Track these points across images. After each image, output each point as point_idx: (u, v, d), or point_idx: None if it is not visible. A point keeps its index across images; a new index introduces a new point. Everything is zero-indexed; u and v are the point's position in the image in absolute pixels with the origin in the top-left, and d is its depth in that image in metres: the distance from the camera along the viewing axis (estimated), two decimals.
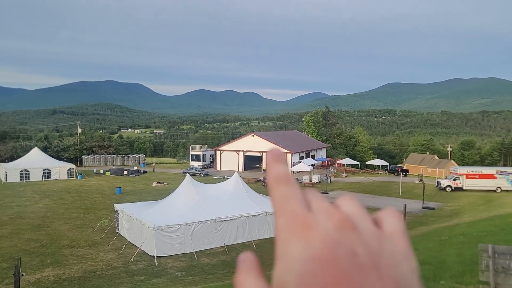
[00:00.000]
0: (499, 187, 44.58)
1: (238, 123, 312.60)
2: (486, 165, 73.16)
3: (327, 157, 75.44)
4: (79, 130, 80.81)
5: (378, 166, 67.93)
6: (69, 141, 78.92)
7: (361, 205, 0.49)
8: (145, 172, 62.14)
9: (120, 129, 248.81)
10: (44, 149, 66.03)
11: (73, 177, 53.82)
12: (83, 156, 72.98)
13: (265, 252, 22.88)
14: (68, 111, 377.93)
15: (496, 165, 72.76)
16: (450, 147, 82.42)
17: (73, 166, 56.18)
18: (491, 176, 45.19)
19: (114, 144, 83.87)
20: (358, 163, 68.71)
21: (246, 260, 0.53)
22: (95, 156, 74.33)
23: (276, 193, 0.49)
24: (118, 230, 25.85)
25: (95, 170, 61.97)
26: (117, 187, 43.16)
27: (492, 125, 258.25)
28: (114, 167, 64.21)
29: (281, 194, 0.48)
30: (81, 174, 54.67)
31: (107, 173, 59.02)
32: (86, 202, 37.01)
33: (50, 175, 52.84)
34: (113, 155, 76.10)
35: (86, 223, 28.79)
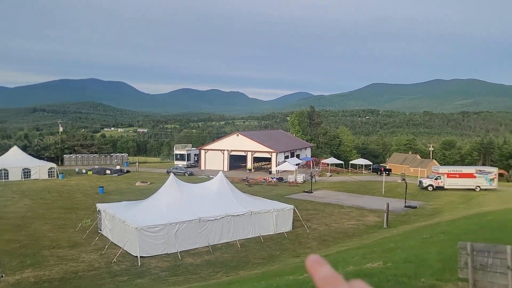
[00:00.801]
0: (479, 186, 45.54)
1: (223, 122, 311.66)
2: (466, 165, 74.64)
3: (311, 156, 75.89)
4: (60, 129, 79.36)
5: (361, 165, 68.63)
6: (50, 140, 77.48)
7: None
8: (128, 171, 61.53)
9: (103, 128, 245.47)
10: (24, 148, 64.73)
11: (54, 177, 52.93)
12: (64, 155, 71.76)
13: (250, 251, 22.89)
14: (49, 110, 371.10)
15: (475, 165, 74.29)
16: (432, 146, 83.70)
17: (54, 165, 55.23)
18: (470, 175, 46.12)
19: (97, 143, 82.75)
20: (342, 162, 69.30)
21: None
22: (77, 155, 73.21)
23: None
24: (101, 230, 25.53)
25: (77, 170, 61.04)
26: (99, 187, 42.63)
27: (472, 126, 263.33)
28: (96, 167, 63.43)
29: None
30: (62, 173, 53.79)
31: (89, 173, 58.24)
32: (67, 202, 36.43)
33: (30, 175, 51.86)
34: (95, 154, 75.08)
35: (67, 223, 28.34)
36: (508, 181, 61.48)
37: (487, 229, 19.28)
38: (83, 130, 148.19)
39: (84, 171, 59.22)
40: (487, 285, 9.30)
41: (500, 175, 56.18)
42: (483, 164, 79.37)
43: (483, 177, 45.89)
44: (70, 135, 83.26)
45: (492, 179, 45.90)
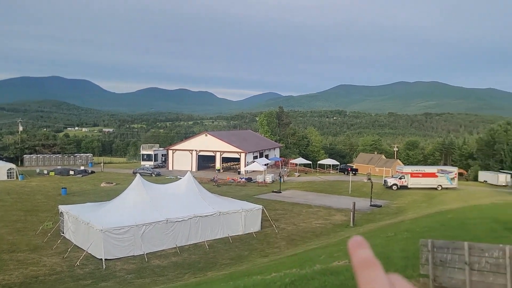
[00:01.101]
0: (440, 185, 47.25)
1: (192, 122, 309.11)
2: (429, 165, 77.28)
3: (280, 156, 76.39)
4: (20, 128, 76.37)
5: (329, 165, 69.72)
6: (9, 139, 74.43)
7: None
8: (92, 172, 59.94)
9: (66, 127, 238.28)
10: None
11: (13, 178, 50.80)
12: (24, 156, 69.04)
13: (218, 252, 22.77)
14: (8, 108, 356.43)
15: (437, 165, 77.03)
16: (396, 147, 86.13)
17: (13, 166, 53.01)
18: (433, 175, 47.79)
19: (60, 143, 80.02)
20: (310, 162, 70.14)
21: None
22: (38, 155, 70.61)
23: (362, 276, 0.53)
24: (63, 233, 24.72)
25: (38, 170, 58.84)
26: (62, 188, 41.31)
27: (434, 127, 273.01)
28: (59, 167, 61.42)
29: (367, 277, 0.53)
30: (22, 174, 51.72)
31: (52, 173, 56.32)
32: (27, 204, 35.05)
33: None
34: (58, 155, 72.66)
35: (27, 226, 27.27)
36: (467, 180, 64.06)
37: (447, 227, 20.01)
38: (45, 129, 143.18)
39: (45, 172, 57.19)
40: (446, 280, 9.65)
41: (460, 174, 58.48)
42: (444, 164, 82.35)
43: (444, 177, 47.65)
44: (30, 135, 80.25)
45: (452, 178, 47.73)
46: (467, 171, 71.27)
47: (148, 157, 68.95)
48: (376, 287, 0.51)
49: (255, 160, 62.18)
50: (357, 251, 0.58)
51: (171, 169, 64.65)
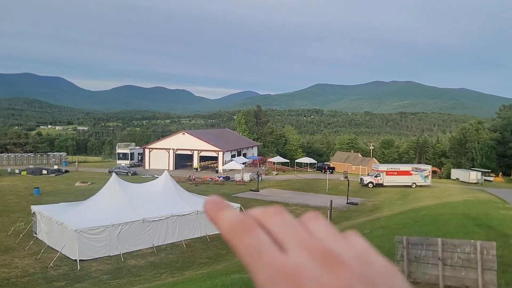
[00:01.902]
0: (414, 183, 48.31)
1: (169, 121, 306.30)
2: (403, 163, 78.83)
3: (258, 155, 76.55)
4: None
5: (307, 164, 70.31)
6: None
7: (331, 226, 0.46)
8: (66, 171, 58.63)
9: (39, 126, 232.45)
10: None
11: None
12: None
13: (195, 251, 22.66)
14: None
15: (411, 163, 78.68)
16: (372, 145, 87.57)
17: None
18: (407, 173, 48.82)
19: (32, 142, 78.08)
20: (288, 161, 70.57)
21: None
22: (10, 154, 68.59)
23: (241, 247, 0.44)
24: (36, 234, 24.08)
25: (9, 170, 57.14)
26: (34, 188, 40.21)
27: (409, 125, 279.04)
28: (31, 166, 59.86)
29: (248, 247, 0.43)
30: None
31: (23, 173, 54.80)
32: None
33: None
34: (30, 154, 70.78)
35: None
36: (440, 178, 65.75)
37: (421, 223, 20.49)
38: (16, 127, 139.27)
39: (17, 171, 55.61)
40: (421, 276, 9.88)
41: (433, 172, 59.95)
42: (419, 162, 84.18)
43: (419, 174, 48.75)
44: (1, 133, 77.91)
45: (426, 176, 48.87)
46: (440, 169, 73.10)
47: (124, 156, 67.93)
48: (262, 258, 0.42)
49: (233, 159, 62.11)
50: (222, 214, 0.47)
51: (148, 168, 63.87)
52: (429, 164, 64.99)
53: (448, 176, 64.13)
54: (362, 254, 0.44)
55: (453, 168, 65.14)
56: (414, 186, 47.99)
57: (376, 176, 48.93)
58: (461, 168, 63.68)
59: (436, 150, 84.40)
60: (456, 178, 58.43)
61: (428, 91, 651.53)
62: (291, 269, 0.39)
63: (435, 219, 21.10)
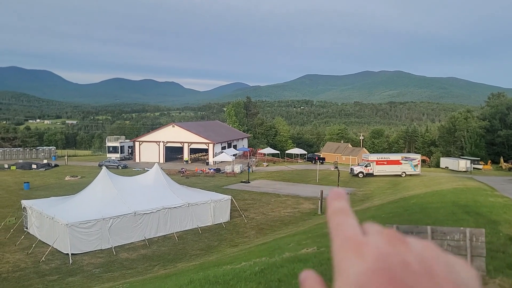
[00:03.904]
0: (404, 172, 48.76)
1: (158, 113, 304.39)
2: (393, 152, 79.51)
3: (248, 147, 76.58)
4: None
5: (297, 154, 70.51)
6: None
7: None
8: (56, 165, 58.14)
9: (27, 120, 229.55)
10: None
11: None
12: None
13: (187, 243, 22.71)
14: None
15: (401, 152, 79.38)
16: (362, 135, 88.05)
17: None
18: (397, 162, 49.21)
19: (20, 136, 77.22)
20: (278, 152, 70.69)
21: (309, 278, 0.52)
22: None
23: (333, 221, 0.53)
24: (27, 229, 23.94)
25: None
26: (24, 182, 39.86)
27: (398, 115, 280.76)
28: (21, 161, 59.21)
29: (337, 222, 0.52)
30: None
31: (13, 168, 54.24)
32: None
33: None
34: (19, 148, 69.99)
35: None
36: (429, 167, 66.36)
37: (411, 212, 20.74)
38: (4, 122, 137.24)
39: (6, 166, 55.00)
40: None
41: (423, 161, 60.48)
42: (408, 151, 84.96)
43: (408, 164, 49.19)
44: None
45: (416, 165, 49.33)
46: (429, 158, 73.77)
47: (114, 149, 67.47)
48: (343, 229, 0.51)
49: (223, 150, 62.07)
50: (334, 202, 0.58)
51: (138, 161, 63.58)
52: (419, 153, 65.52)
53: (437, 165, 64.70)
54: (432, 248, 0.50)
55: (442, 156, 65.74)
56: (404, 175, 48.44)
57: (366, 166, 49.26)
58: (450, 156, 64.33)
59: (426, 139, 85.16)
60: (446, 167, 59.01)
61: (417, 80, 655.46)
62: (360, 239, 0.49)
63: (425, 208, 21.37)
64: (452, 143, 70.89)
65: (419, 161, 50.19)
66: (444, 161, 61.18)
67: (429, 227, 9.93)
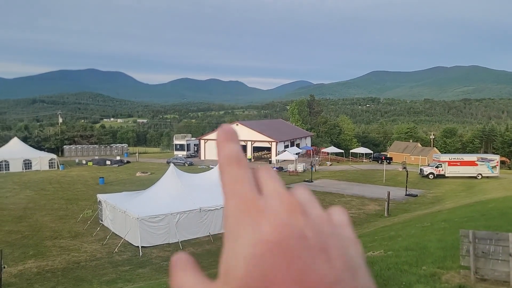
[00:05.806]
0: (480, 174, 45.48)
1: (223, 112, 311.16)
2: (468, 152, 74.53)
3: (311, 145, 75.76)
4: (60, 120, 79.24)
5: (362, 154, 68.56)
6: (50, 131, 77.47)
7: (313, 195, 0.48)
8: (128, 162, 61.47)
9: (102, 119, 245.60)
10: (24, 139, 64.73)
11: (54, 168, 52.91)
12: (64, 146, 71.74)
13: None
14: (48, 101, 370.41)
15: (477, 152, 74.19)
16: (433, 134, 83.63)
17: (54, 156, 55.13)
18: (472, 163, 46.03)
19: (96, 134, 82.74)
20: (342, 151, 69.18)
21: (180, 260, 0.49)
22: (77, 146, 73.17)
23: (226, 175, 0.47)
24: (102, 221, 25.55)
25: (77, 161, 61.03)
26: (100, 177, 42.59)
27: (473, 113, 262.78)
28: (96, 157, 63.37)
29: (232, 176, 0.46)
30: (62, 164, 53.76)
31: (90, 163, 58.21)
32: (68, 193, 36.45)
33: (31, 166, 51.83)
34: (95, 145, 75.06)
35: (68, 214, 28.36)
36: (510, 169, 61.50)
37: (489, 217, 19.25)
38: (83, 121, 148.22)
39: (84, 162, 59.19)
40: (489, 272, 9.28)
41: (502, 162, 56.15)
42: (485, 152, 79.30)
43: (485, 165, 45.80)
44: (69, 126, 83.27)
45: (494, 167, 45.82)
46: (509, 159, 68.33)
47: (181, 147, 69.99)
48: (238, 188, 0.45)
49: (286, 149, 61.99)
50: (225, 144, 0.48)
51: (203, 158, 65.39)
52: (497, 154, 60.85)
53: None
54: (331, 221, 0.47)
55: None
56: (479, 177, 45.20)
57: (437, 167, 46.65)
58: None
59: (505, 139, 78.91)
60: None
61: (496, 76, 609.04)
62: (257, 204, 0.44)
63: (505, 213, 19.74)
64: None
65: (497, 162, 46.56)
66: None
67: (510, 235, 9.12)
